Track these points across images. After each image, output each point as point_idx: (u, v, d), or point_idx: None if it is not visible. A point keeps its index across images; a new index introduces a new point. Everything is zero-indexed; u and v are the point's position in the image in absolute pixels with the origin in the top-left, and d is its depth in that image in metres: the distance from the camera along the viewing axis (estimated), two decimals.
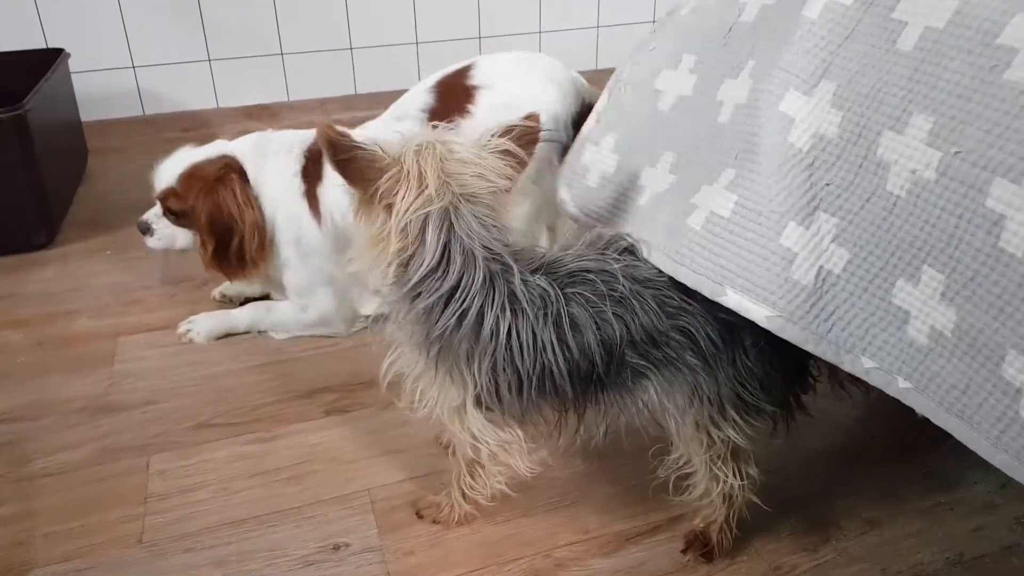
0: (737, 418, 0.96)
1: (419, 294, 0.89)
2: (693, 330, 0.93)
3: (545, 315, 0.90)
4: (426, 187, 0.86)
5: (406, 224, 0.86)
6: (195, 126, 2.51)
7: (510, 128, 0.93)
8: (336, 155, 0.86)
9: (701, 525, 1.08)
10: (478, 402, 0.95)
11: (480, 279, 0.88)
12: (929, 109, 0.77)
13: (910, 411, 0.82)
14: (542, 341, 0.90)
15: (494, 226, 0.90)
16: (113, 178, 2.21)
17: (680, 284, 0.93)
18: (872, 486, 1.18)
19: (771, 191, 0.90)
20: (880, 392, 0.85)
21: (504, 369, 0.91)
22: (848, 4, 0.87)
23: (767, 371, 0.95)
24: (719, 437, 0.97)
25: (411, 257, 0.88)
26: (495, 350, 0.90)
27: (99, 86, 2.41)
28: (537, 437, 1.01)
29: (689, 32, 1.10)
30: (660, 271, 0.95)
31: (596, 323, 0.91)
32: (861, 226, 0.83)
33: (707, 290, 0.92)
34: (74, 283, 1.70)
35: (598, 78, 2.82)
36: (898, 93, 0.80)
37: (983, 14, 0.74)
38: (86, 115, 2.34)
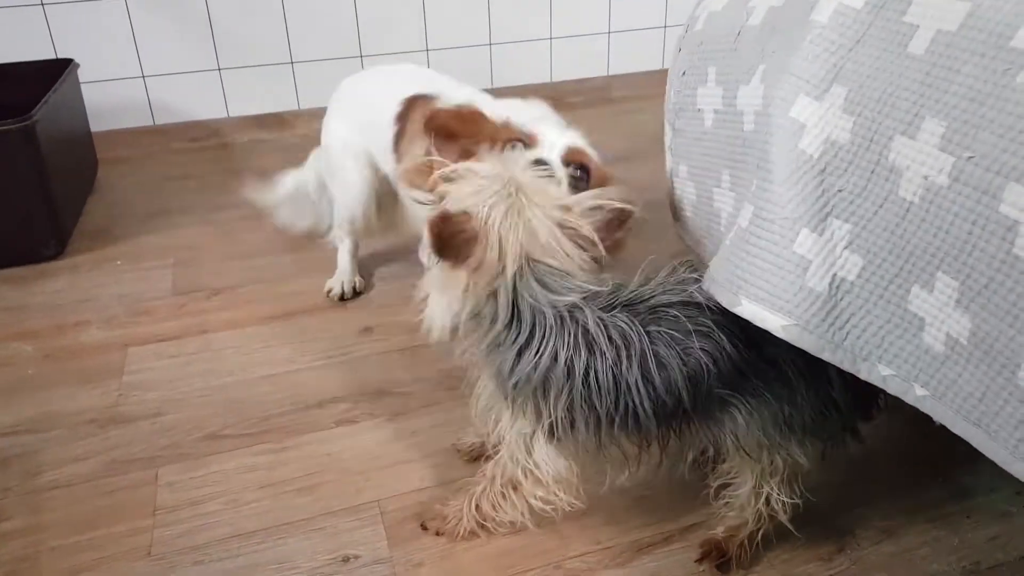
0: (810, 444, 0.97)
1: (496, 346, 0.92)
2: (780, 360, 0.92)
3: (628, 355, 0.89)
4: (503, 263, 0.90)
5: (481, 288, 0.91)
6: (205, 136, 2.52)
7: (602, 206, 0.94)
8: (442, 248, 0.90)
9: (722, 535, 1.07)
10: (551, 433, 0.95)
11: (551, 327, 0.90)
12: (941, 114, 0.76)
13: (924, 419, 0.81)
14: (626, 382, 0.90)
15: (561, 278, 0.91)
16: (123, 188, 2.22)
17: None
18: (887, 494, 1.17)
19: (783, 198, 0.89)
20: (894, 400, 0.84)
21: (581, 407, 0.91)
22: (859, 8, 0.85)
23: (846, 399, 0.95)
24: (785, 459, 0.97)
25: (484, 309, 0.93)
26: (571, 389, 0.90)
27: (109, 96, 2.42)
28: (616, 466, 1.01)
29: (706, 43, 1.10)
30: None
31: (682, 359, 0.90)
32: (875, 232, 0.82)
33: (724, 300, 0.91)
34: (84, 294, 1.70)
35: (610, 84, 2.81)
36: (910, 97, 0.79)
37: (996, 17, 0.73)
38: (96, 125, 2.35)
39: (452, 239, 0.89)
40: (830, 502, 1.14)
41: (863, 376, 0.85)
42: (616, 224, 0.95)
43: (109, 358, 1.49)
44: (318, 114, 2.60)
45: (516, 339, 0.91)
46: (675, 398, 0.90)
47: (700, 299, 0.92)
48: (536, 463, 0.99)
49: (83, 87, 2.25)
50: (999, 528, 1.11)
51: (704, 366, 0.90)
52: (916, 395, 0.81)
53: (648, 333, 0.90)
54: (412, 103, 1.50)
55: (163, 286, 1.73)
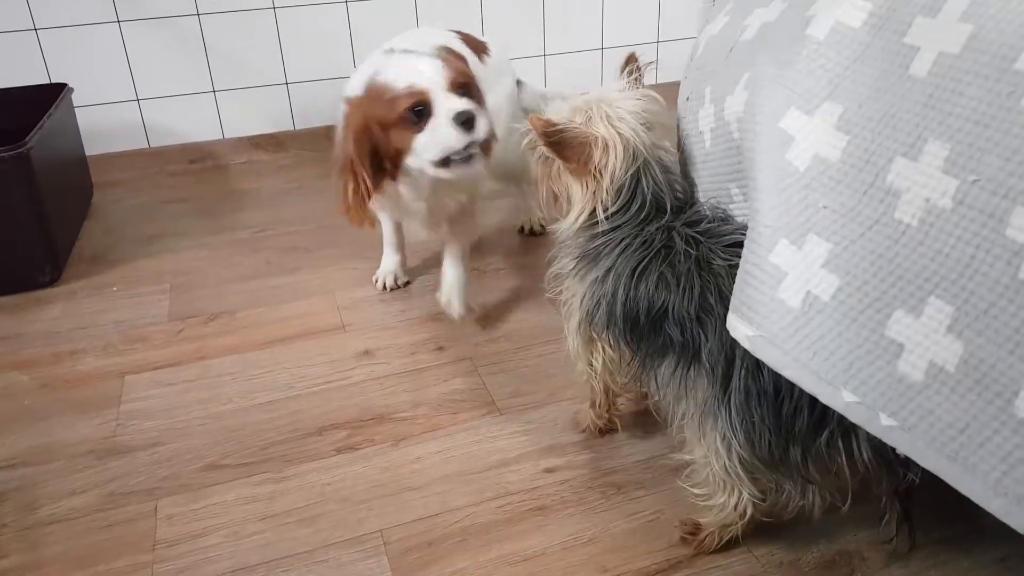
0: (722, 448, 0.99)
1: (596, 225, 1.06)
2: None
3: (691, 256, 1.00)
4: (630, 149, 1.03)
5: (621, 184, 1.03)
6: (201, 157, 2.51)
7: (625, 66, 1.15)
8: (549, 139, 1.02)
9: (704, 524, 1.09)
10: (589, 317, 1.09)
11: (643, 226, 1.04)
12: (945, 136, 0.75)
13: None
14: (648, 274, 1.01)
15: (672, 175, 1.08)
16: (119, 212, 2.21)
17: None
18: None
19: (765, 206, 0.88)
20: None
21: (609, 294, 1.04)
22: (856, 27, 0.85)
23: (752, 416, 0.95)
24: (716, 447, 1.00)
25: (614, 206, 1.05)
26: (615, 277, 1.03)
27: (103, 120, 2.41)
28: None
29: (705, 67, 1.10)
30: None
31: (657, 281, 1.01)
32: (859, 254, 0.80)
33: None
34: (80, 321, 1.69)
35: None
36: (912, 119, 0.78)
37: (999, 39, 0.72)
38: (91, 149, 2.34)
39: (558, 134, 1.02)
40: (839, 522, 1.13)
41: (823, 399, 0.83)
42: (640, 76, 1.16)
43: (106, 387, 1.48)
44: (314, 135, 2.61)
45: (623, 217, 1.05)
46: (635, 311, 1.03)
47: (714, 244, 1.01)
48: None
49: (77, 111, 2.24)
50: (1010, 548, 1.10)
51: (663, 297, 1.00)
52: (882, 425, 0.79)
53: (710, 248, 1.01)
54: None
55: (160, 312, 1.71)
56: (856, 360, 0.80)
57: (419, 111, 1.34)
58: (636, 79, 1.13)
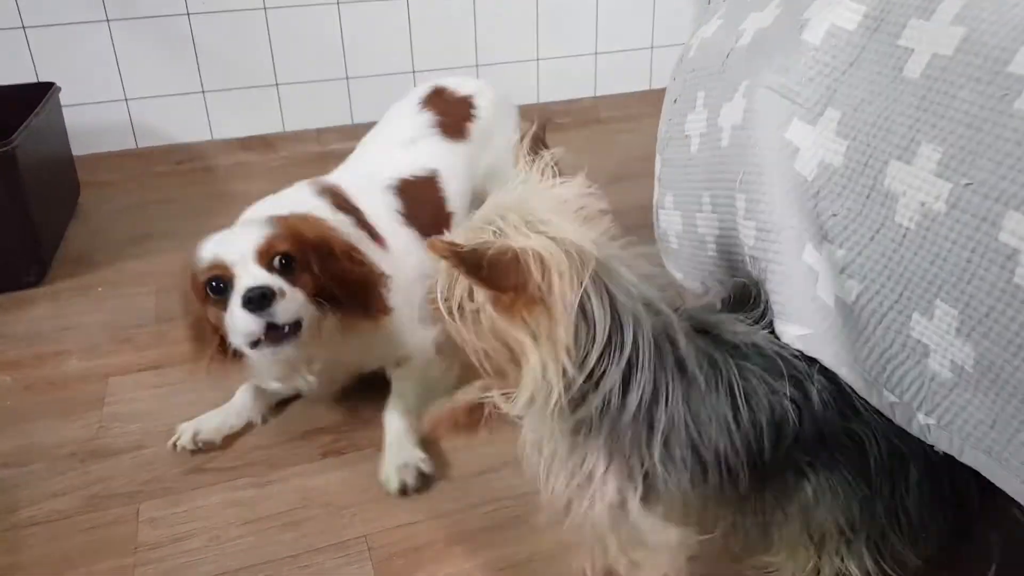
0: (868, 557, 0.84)
1: (597, 385, 0.75)
2: (864, 439, 0.82)
3: (717, 386, 0.78)
4: (573, 255, 0.70)
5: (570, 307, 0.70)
6: (189, 158, 2.49)
7: (526, 142, 0.80)
8: (473, 270, 0.69)
9: None
10: (644, 496, 0.80)
11: (647, 340, 0.74)
12: (938, 139, 0.74)
13: None
14: (715, 415, 0.78)
15: (640, 264, 0.78)
16: (105, 213, 2.19)
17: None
18: None
19: (787, 211, 0.88)
20: None
21: (677, 449, 0.77)
22: (851, 30, 0.84)
23: (925, 518, 0.84)
24: (835, 564, 0.86)
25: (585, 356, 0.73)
26: (669, 428, 0.76)
27: (91, 120, 2.39)
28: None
29: (697, 70, 1.09)
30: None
31: (770, 402, 0.79)
32: (872, 258, 0.80)
33: None
34: (65, 322, 1.67)
35: (597, 104, 2.81)
36: (905, 122, 0.77)
37: (992, 41, 0.71)
38: (78, 149, 2.32)
39: (487, 259, 0.68)
40: None
41: (873, 402, 0.82)
42: (537, 145, 0.81)
43: (90, 389, 1.46)
44: (303, 136, 2.60)
45: (621, 358, 0.73)
46: (759, 446, 0.79)
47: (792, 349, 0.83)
48: (635, 533, 0.83)
49: (65, 110, 2.22)
50: None
51: (789, 416, 0.79)
52: (920, 423, 0.79)
53: (737, 365, 0.79)
54: None
55: (145, 313, 1.70)
56: (889, 361, 0.80)
57: (217, 287, 1.18)
58: (541, 162, 0.79)
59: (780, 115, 0.88)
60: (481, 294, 0.72)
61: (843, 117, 0.83)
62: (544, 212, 0.73)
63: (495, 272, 0.69)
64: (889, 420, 0.82)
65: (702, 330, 0.81)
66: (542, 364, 0.72)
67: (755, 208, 0.91)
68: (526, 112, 2.71)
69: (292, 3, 2.45)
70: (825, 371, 0.83)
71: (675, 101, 1.13)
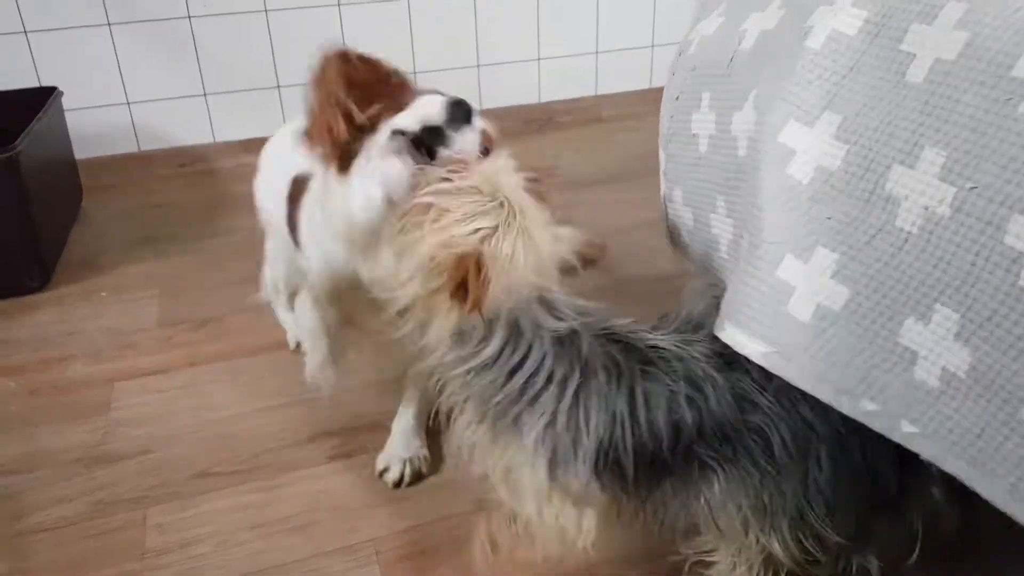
0: (789, 538, 0.88)
1: (484, 367, 0.85)
2: (767, 429, 0.86)
3: (618, 381, 0.85)
4: (510, 288, 0.84)
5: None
6: (191, 161, 2.49)
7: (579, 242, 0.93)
8: (463, 290, 0.82)
9: None
10: (534, 466, 0.88)
11: (548, 351, 0.84)
12: (941, 143, 0.74)
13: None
14: (612, 410, 0.85)
15: (558, 305, 0.87)
16: (109, 216, 2.19)
17: (763, 379, 0.87)
18: None
19: (768, 223, 0.88)
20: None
21: (565, 432, 0.85)
22: (852, 35, 0.84)
23: (839, 495, 0.87)
24: (761, 545, 0.90)
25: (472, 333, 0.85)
26: (555, 411, 0.85)
27: (93, 123, 2.40)
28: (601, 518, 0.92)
29: (699, 68, 1.08)
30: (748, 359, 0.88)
31: (668, 403, 0.85)
32: (865, 263, 0.80)
33: (716, 327, 0.90)
34: (69, 327, 1.67)
35: (599, 103, 2.81)
36: (908, 127, 0.77)
37: (995, 46, 0.72)
38: (80, 153, 2.32)
39: (470, 278, 0.81)
40: None
41: (844, 410, 0.82)
42: (586, 261, 0.92)
43: (95, 394, 1.46)
44: None
45: (508, 361, 0.85)
46: (656, 443, 0.85)
47: (697, 352, 0.88)
48: (526, 507, 0.91)
49: (67, 114, 2.22)
50: None
51: (687, 415, 0.85)
52: (903, 432, 0.78)
53: (641, 370, 0.86)
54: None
55: (149, 318, 1.70)
56: (872, 369, 0.80)
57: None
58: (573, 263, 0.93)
59: (777, 119, 0.88)
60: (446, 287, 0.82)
61: (843, 121, 0.83)
62: (542, 241, 0.85)
63: (452, 267, 0.81)
64: (790, 408, 0.86)
65: (616, 339, 0.88)
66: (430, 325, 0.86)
67: (751, 219, 0.92)
68: (529, 111, 2.73)
69: (293, 5, 2.45)
70: (725, 371, 0.87)
71: (677, 98, 1.12)
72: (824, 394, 0.83)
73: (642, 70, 2.83)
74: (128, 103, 2.43)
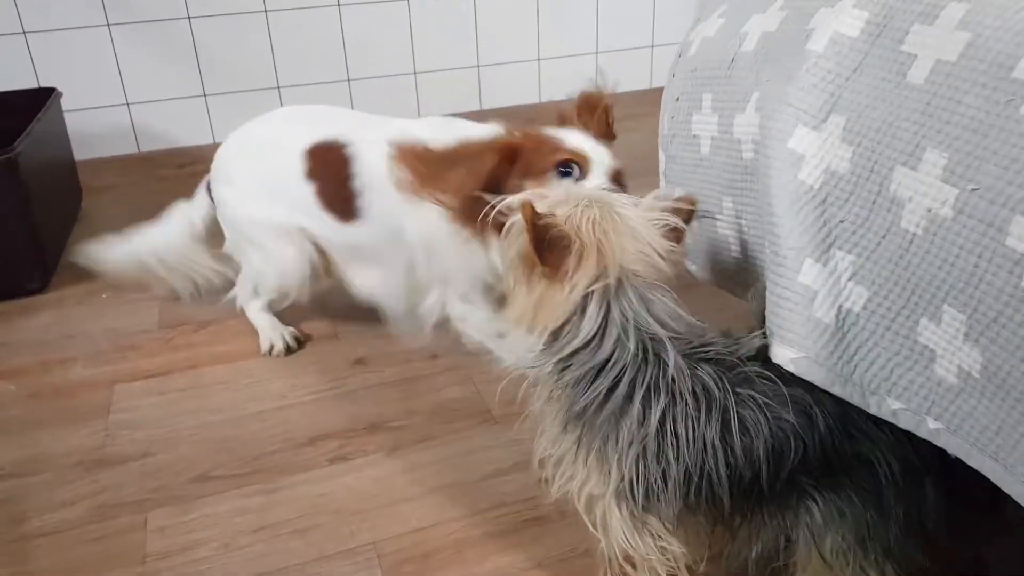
0: (890, 568, 0.85)
1: (569, 366, 0.84)
2: (873, 459, 0.83)
3: (709, 410, 0.81)
4: (604, 265, 0.82)
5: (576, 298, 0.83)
6: (191, 162, 2.49)
7: (669, 205, 0.89)
8: (536, 239, 0.81)
9: None
10: (621, 496, 0.85)
11: (632, 358, 0.82)
12: (943, 144, 0.74)
13: None
14: (703, 441, 0.81)
15: (655, 304, 0.85)
16: (109, 217, 2.18)
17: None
18: None
19: (786, 229, 0.88)
20: None
21: (653, 461, 0.82)
22: (855, 36, 0.84)
23: (939, 529, 0.85)
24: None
25: (565, 326, 0.84)
26: (644, 437, 0.82)
27: (93, 124, 2.40)
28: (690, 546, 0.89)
29: (700, 69, 1.08)
30: None
31: (770, 429, 0.81)
32: (879, 263, 0.80)
33: None
34: (69, 329, 1.67)
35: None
36: (910, 128, 0.77)
37: (996, 47, 0.71)
38: (80, 154, 2.32)
39: (549, 236, 0.81)
40: None
41: (872, 411, 0.83)
42: (678, 233, 0.89)
43: (96, 396, 1.46)
44: None
45: (594, 358, 0.82)
46: (753, 472, 0.81)
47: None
48: (613, 534, 0.87)
49: (67, 115, 2.22)
50: None
51: (792, 443, 0.81)
52: (929, 428, 0.79)
53: (735, 393, 0.82)
54: (318, 154, 1.47)
55: (150, 319, 1.70)
56: (896, 367, 0.80)
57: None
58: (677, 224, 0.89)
59: (785, 124, 0.88)
60: (527, 247, 0.82)
61: (848, 123, 0.83)
62: (621, 220, 0.84)
63: (550, 247, 0.82)
64: (900, 438, 0.83)
65: (706, 357, 0.84)
66: (529, 315, 0.86)
67: (768, 227, 0.91)
68: (529, 111, 2.72)
69: (293, 5, 2.45)
70: (831, 395, 0.84)
71: (677, 99, 1.12)
72: (853, 396, 0.83)
73: (642, 70, 2.83)
74: (128, 104, 2.43)
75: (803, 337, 0.85)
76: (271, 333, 1.60)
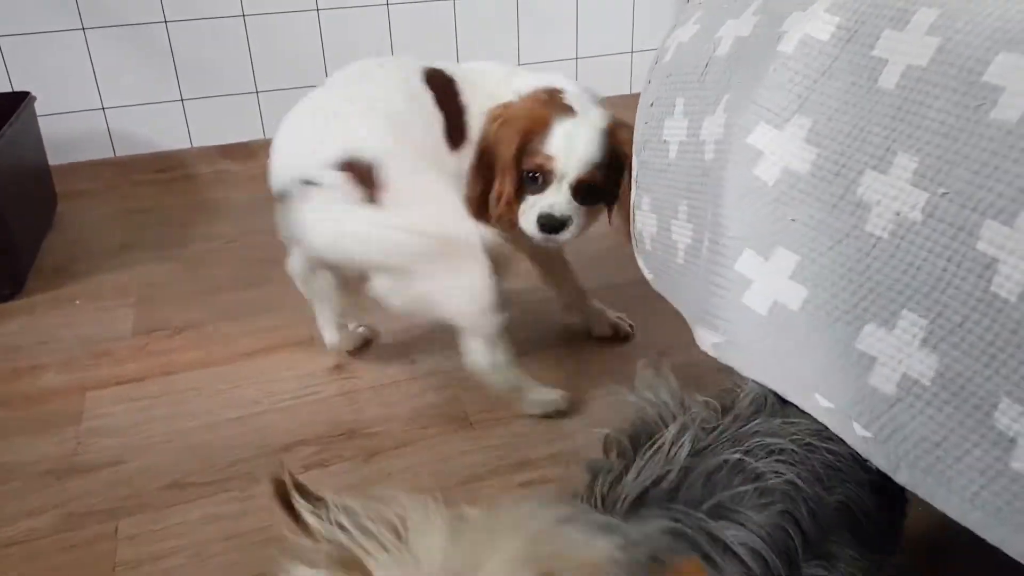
0: None
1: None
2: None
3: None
4: None
5: None
6: (169, 167, 2.47)
7: None
8: None
9: None
10: None
11: None
12: (913, 149, 0.74)
13: None
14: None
15: None
16: (83, 223, 2.17)
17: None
18: None
19: (729, 220, 0.88)
20: None
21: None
22: (825, 40, 0.84)
23: None
24: None
25: None
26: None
27: (68, 129, 2.37)
28: None
29: (674, 75, 1.08)
30: None
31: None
32: (828, 267, 0.80)
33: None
34: (41, 336, 1.65)
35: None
36: (880, 132, 0.77)
37: (966, 52, 0.72)
38: (54, 159, 2.29)
39: None
40: None
41: (798, 403, 0.82)
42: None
43: (67, 403, 1.44)
44: None
45: None
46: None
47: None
48: None
49: (40, 120, 2.19)
50: None
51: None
52: (857, 435, 0.78)
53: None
54: (438, 77, 1.37)
55: (124, 326, 1.68)
56: (827, 368, 0.80)
57: (533, 176, 1.35)
58: None
59: (746, 121, 0.88)
60: None
61: (814, 125, 0.83)
62: None
63: None
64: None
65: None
66: None
67: (712, 219, 0.92)
68: None
69: (271, 9, 2.44)
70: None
71: (651, 104, 1.12)
72: (776, 385, 0.83)
73: (621, 76, 2.84)
74: (103, 108, 2.41)
75: (729, 323, 0.85)
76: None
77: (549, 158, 1.31)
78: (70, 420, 1.40)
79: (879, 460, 0.77)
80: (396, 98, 1.30)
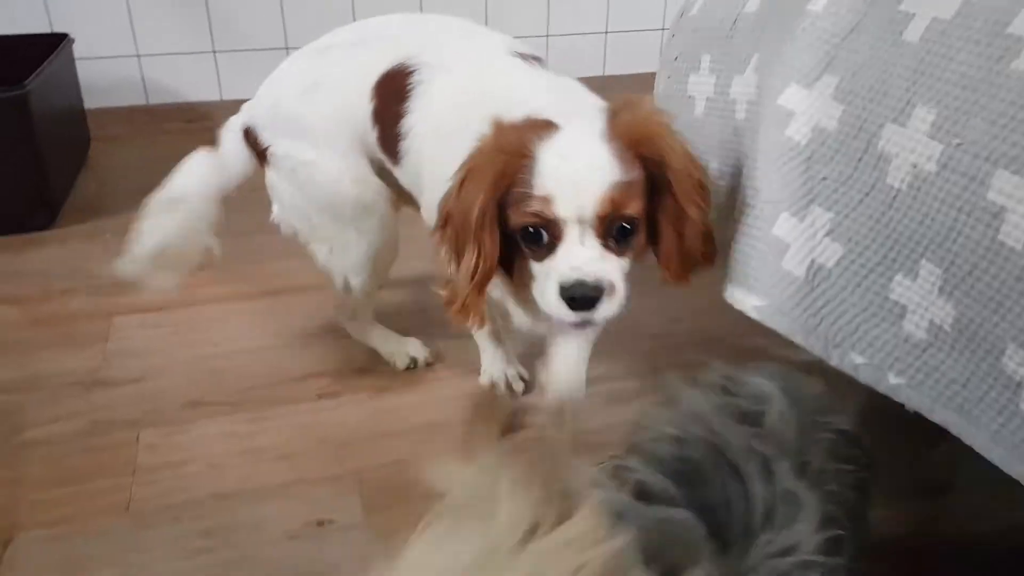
0: None
1: None
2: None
3: None
4: None
5: None
6: (198, 118, 2.50)
7: None
8: None
9: None
10: None
11: None
12: (933, 101, 0.77)
13: None
14: None
15: None
16: (114, 165, 2.21)
17: None
18: None
19: (764, 182, 0.91)
20: None
21: None
22: None
23: None
24: None
25: None
26: None
27: (103, 74, 2.41)
28: None
29: (701, 30, 1.10)
30: None
31: None
32: (859, 221, 0.83)
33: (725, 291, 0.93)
34: (72, 264, 1.69)
35: (606, 85, 2.81)
36: (902, 85, 0.80)
37: (992, 4, 0.74)
38: (89, 102, 2.33)
39: None
40: None
41: (834, 363, 0.85)
42: None
43: (95, 325, 1.49)
44: None
45: None
46: None
47: None
48: None
49: (78, 63, 2.24)
50: None
51: None
52: (890, 383, 0.82)
53: None
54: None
55: None
56: (863, 323, 0.83)
57: (535, 235, 0.92)
58: None
59: (778, 82, 0.91)
60: None
61: (840, 82, 0.85)
62: None
63: None
64: None
65: None
66: None
67: (746, 180, 0.94)
68: None
69: None
70: None
71: (675, 59, 1.14)
72: (815, 347, 0.86)
73: (652, 52, 2.82)
74: (138, 55, 2.44)
75: (770, 287, 0.87)
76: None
77: (546, 200, 0.88)
78: (97, 340, 1.44)
79: (913, 403, 0.80)
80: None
